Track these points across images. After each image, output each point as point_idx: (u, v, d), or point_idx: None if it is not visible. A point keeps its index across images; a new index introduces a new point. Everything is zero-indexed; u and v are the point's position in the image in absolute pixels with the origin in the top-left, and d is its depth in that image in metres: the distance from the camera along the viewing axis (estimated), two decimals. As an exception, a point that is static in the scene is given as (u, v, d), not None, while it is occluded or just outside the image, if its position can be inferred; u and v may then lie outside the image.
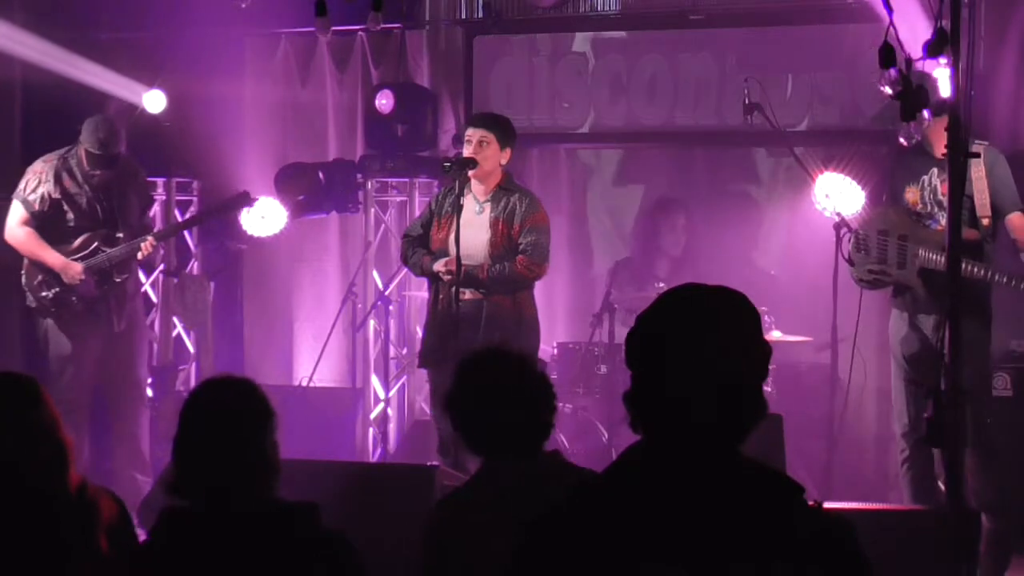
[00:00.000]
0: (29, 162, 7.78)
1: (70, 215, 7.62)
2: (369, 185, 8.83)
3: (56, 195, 7.59)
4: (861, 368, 8.05)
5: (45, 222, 7.61)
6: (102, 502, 3.62)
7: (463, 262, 6.62)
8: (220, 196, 8.59)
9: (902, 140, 7.49)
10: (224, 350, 9.22)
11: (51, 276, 7.59)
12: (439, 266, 6.74)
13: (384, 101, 8.57)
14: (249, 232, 8.60)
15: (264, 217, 8.53)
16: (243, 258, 9.31)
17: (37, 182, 7.60)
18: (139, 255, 7.69)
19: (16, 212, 7.63)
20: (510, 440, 3.77)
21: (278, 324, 9.44)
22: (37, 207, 7.58)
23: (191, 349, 9.19)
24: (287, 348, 9.38)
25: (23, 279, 7.68)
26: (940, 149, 6.48)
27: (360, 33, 9.01)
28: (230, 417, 3.38)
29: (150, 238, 7.71)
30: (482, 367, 3.90)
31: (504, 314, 6.72)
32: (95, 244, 7.63)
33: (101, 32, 8.80)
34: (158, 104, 8.47)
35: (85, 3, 8.84)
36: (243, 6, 8.65)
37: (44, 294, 7.60)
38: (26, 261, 7.67)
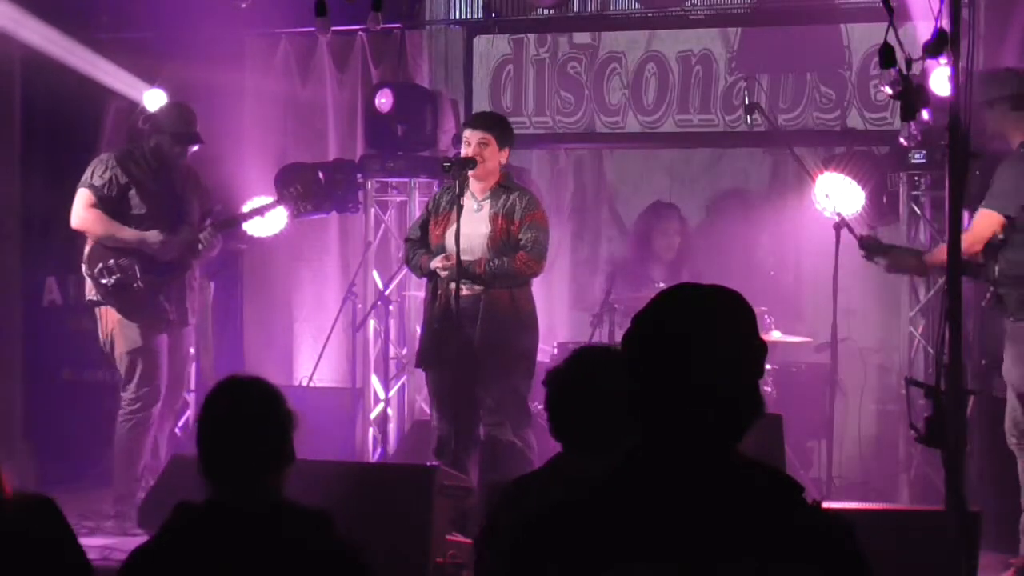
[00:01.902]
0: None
1: (135, 202, 7.59)
2: (369, 185, 8.83)
3: (124, 180, 7.57)
4: (861, 367, 8.06)
5: (110, 208, 7.57)
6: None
7: (461, 257, 6.62)
8: (222, 195, 8.60)
9: (902, 140, 7.53)
10: (224, 350, 9.21)
11: (115, 262, 7.52)
12: (437, 262, 6.73)
13: (384, 100, 8.57)
14: (249, 232, 8.59)
15: (264, 217, 8.53)
16: (243, 258, 9.31)
17: (104, 168, 7.59)
18: (200, 246, 7.71)
19: (83, 197, 7.57)
20: (592, 437, 3.80)
21: (278, 324, 9.43)
22: (105, 191, 7.54)
23: (191, 349, 9.18)
24: (287, 348, 9.38)
25: (83, 268, 7.61)
26: (1016, 143, 6.47)
27: (360, 33, 9.01)
28: (248, 415, 3.41)
29: (209, 227, 7.78)
30: (597, 364, 3.92)
31: (501, 309, 6.72)
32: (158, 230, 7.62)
33: (101, 32, 8.80)
34: (159, 103, 8.46)
35: (84, 3, 8.84)
36: (243, 6, 8.65)
37: (105, 281, 7.53)
38: (87, 250, 7.60)
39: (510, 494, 3.98)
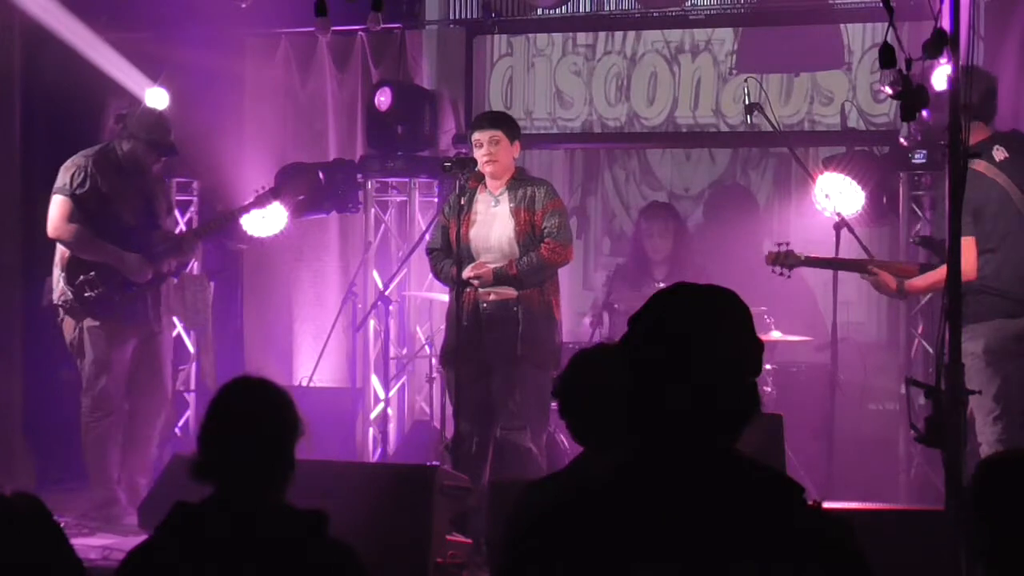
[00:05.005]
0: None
1: (113, 211, 7.49)
2: (369, 185, 8.83)
3: (105, 189, 7.45)
4: (861, 367, 8.05)
5: (88, 216, 7.43)
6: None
7: (485, 256, 6.72)
8: (222, 195, 8.60)
9: (902, 140, 7.53)
10: (224, 350, 9.21)
11: (97, 274, 7.41)
12: (468, 273, 6.75)
13: (383, 98, 8.58)
14: (249, 232, 8.59)
15: (264, 217, 8.53)
16: (243, 258, 9.30)
17: (83, 175, 7.43)
18: (184, 251, 7.79)
19: (64, 207, 7.41)
20: (609, 435, 3.81)
21: (278, 324, 9.43)
22: (85, 200, 7.40)
23: (191, 349, 9.18)
24: (287, 348, 9.37)
25: (62, 277, 7.44)
26: None
27: (360, 33, 9.01)
28: (255, 416, 3.41)
29: (191, 234, 7.86)
30: (597, 364, 3.95)
31: (537, 309, 6.76)
32: (136, 242, 7.55)
33: (101, 32, 8.79)
34: (161, 101, 8.45)
35: (85, 3, 8.83)
36: (243, 6, 8.64)
37: (88, 293, 7.39)
38: (67, 258, 7.45)
39: (528, 497, 3.98)
